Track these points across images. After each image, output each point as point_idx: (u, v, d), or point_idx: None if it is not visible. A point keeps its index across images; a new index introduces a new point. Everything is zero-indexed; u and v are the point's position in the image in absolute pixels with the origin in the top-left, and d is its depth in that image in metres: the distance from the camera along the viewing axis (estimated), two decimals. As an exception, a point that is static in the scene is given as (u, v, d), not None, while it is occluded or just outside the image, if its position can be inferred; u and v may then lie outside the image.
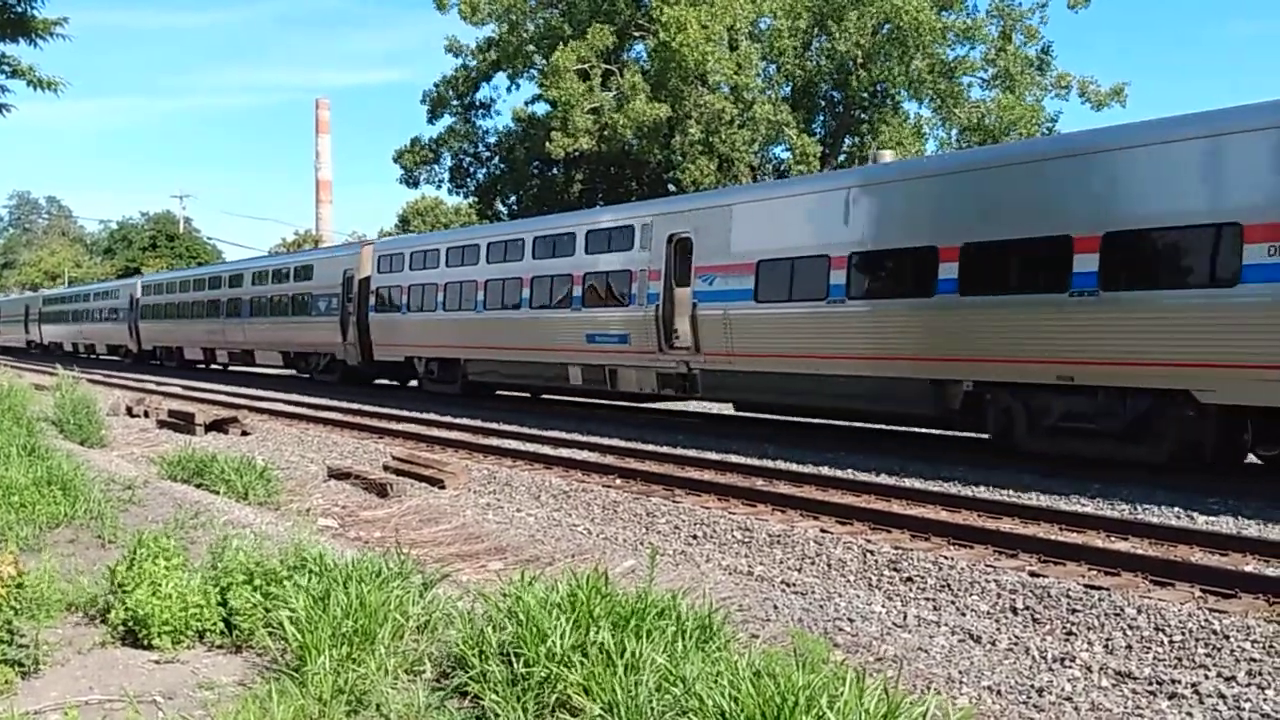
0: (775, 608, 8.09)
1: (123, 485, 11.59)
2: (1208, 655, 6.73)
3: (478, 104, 49.10)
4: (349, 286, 30.03)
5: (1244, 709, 5.91)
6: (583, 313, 21.01)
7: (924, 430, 17.57)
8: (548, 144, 39.20)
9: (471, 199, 52.55)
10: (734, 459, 14.60)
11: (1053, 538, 9.59)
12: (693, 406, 22.36)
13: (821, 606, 8.09)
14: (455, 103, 48.38)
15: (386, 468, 14.78)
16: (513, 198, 48.37)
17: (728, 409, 21.88)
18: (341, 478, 14.37)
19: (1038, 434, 13.61)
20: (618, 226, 20.75)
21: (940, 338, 14.37)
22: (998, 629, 7.52)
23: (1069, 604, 7.70)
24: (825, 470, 13.64)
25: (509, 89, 52.86)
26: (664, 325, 18.98)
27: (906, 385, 14.88)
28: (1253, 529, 10.00)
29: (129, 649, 5.93)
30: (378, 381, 31.68)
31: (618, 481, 13.46)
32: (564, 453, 15.86)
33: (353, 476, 14.20)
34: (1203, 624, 7.11)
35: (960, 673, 6.63)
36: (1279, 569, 8.47)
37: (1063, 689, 6.32)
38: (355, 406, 23.91)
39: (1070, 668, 6.70)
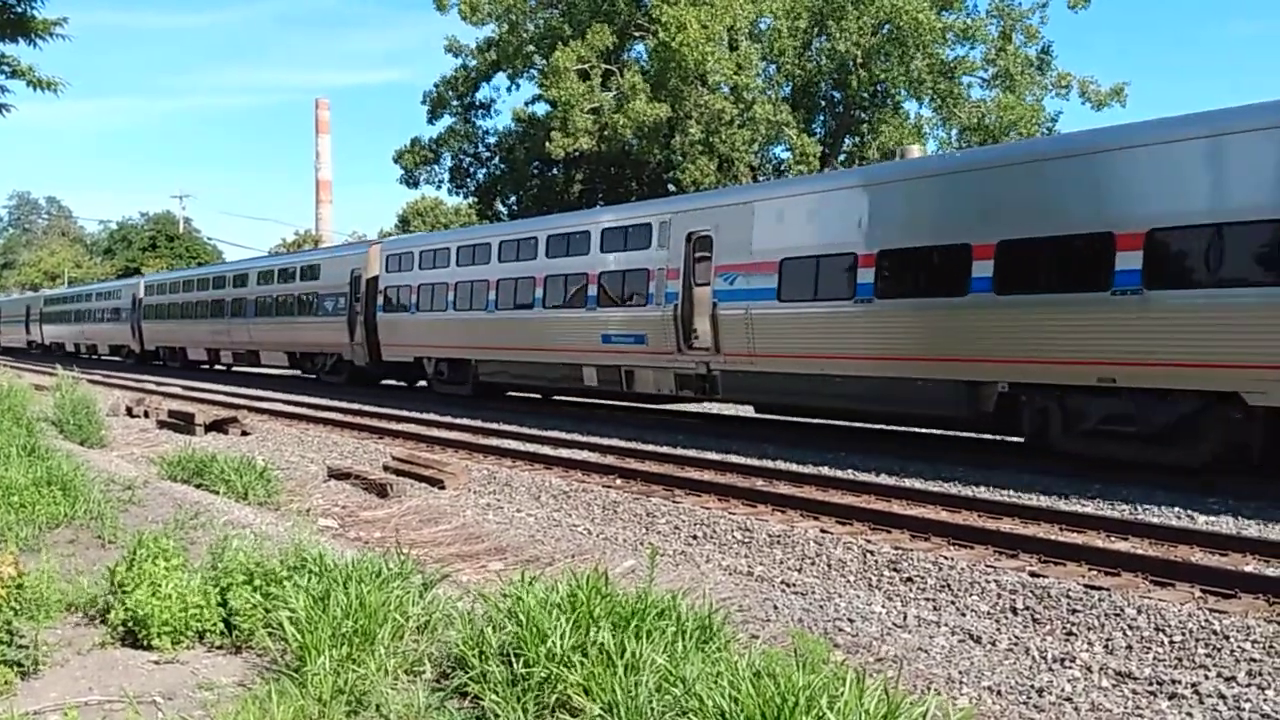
0: (775, 608, 8.09)
1: (122, 485, 11.58)
2: (1208, 655, 6.73)
3: (478, 104, 49.18)
4: (356, 286, 29.66)
5: (1244, 709, 5.91)
6: (598, 312, 20.60)
7: (924, 430, 17.56)
8: (548, 144, 39.22)
9: (471, 199, 52.59)
10: (734, 459, 14.60)
11: (1053, 538, 9.58)
12: (692, 407, 22.33)
13: (821, 607, 8.09)
14: (455, 103, 48.42)
15: (386, 468, 14.78)
16: (513, 198, 48.40)
17: (728, 409, 21.86)
18: (341, 478, 14.37)
19: (1074, 436, 13.20)
20: (635, 224, 20.33)
21: (974, 338, 13.92)
22: (998, 629, 7.52)
23: (1069, 604, 7.70)
24: (825, 470, 13.63)
25: (509, 89, 52.94)
26: (683, 325, 18.58)
27: (938, 387, 14.46)
28: (1253, 529, 10.00)
29: (129, 649, 5.92)
30: (384, 382, 31.37)
31: (618, 482, 13.46)
32: (564, 453, 15.86)
33: (353, 477, 14.20)
34: (1203, 624, 7.10)
35: (960, 673, 6.63)
36: (1279, 569, 8.47)
37: (1063, 689, 6.32)
38: (355, 407, 23.90)
39: (1070, 668, 6.70)
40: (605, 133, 38.95)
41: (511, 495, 13.08)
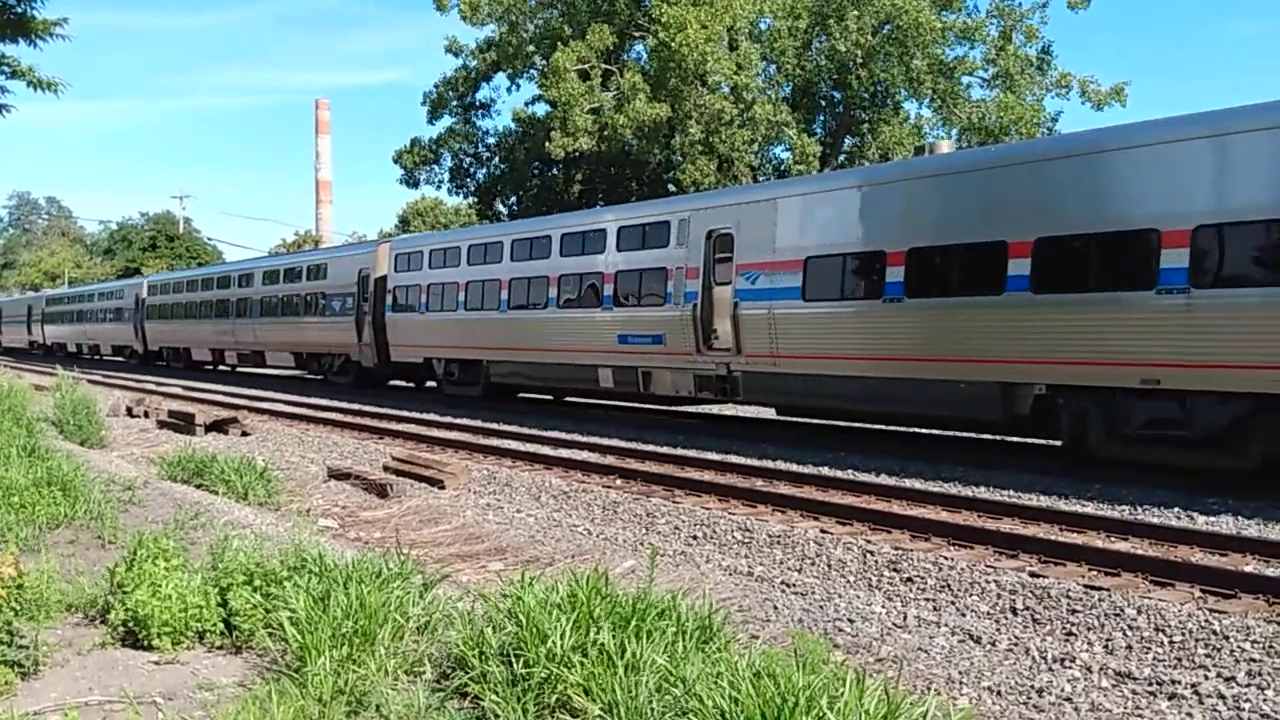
0: (775, 608, 8.09)
1: (123, 486, 11.58)
2: (1207, 655, 6.73)
3: (478, 104, 49.22)
4: (365, 286, 29.22)
5: (1244, 709, 5.91)
6: (614, 312, 20.18)
7: (923, 430, 17.57)
8: (547, 144, 39.23)
9: (471, 199, 52.61)
10: (734, 459, 14.60)
11: (1053, 538, 9.58)
12: (691, 408, 22.32)
13: (821, 607, 8.09)
14: (455, 103, 48.45)
15: (386, 468, 14.78)
16: (513, 198, 48.43)
17: (728, 409, 21.86)
18: (341, 478, 14.37)
19: (1116, 440, 12.77)
20: (652, 222, 19.87)
21: (1010, 338, 13.47)
22: (998, 629, 7.52)
23: (1069, 604, 7.70)
24: (825, 471, 13.63)
25: (509, 89, 53.08)
26: (702, 325, 18.18)
27: (971, 389, 13.98)
28: (1253, 529, 10.00)
29: (129, 650, 5.92)
30: (392, 383, 31.05)
31: (618, 482, 13.46)
32: (564, 453, 15.86)
33: (353, 477, 14.20)
34: (1202, 624, 7.11)
35: (960, 673, 6.63)
36: (1279, 569, 8.47)
37: (1063, 689, 6.32)
38: (355, 407, 23.90)
39: (1070, 668, 6.70)
40: (605, 133, 38.96)
41: (511, 495, 13.08)
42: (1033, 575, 8.43)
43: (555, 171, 46.66)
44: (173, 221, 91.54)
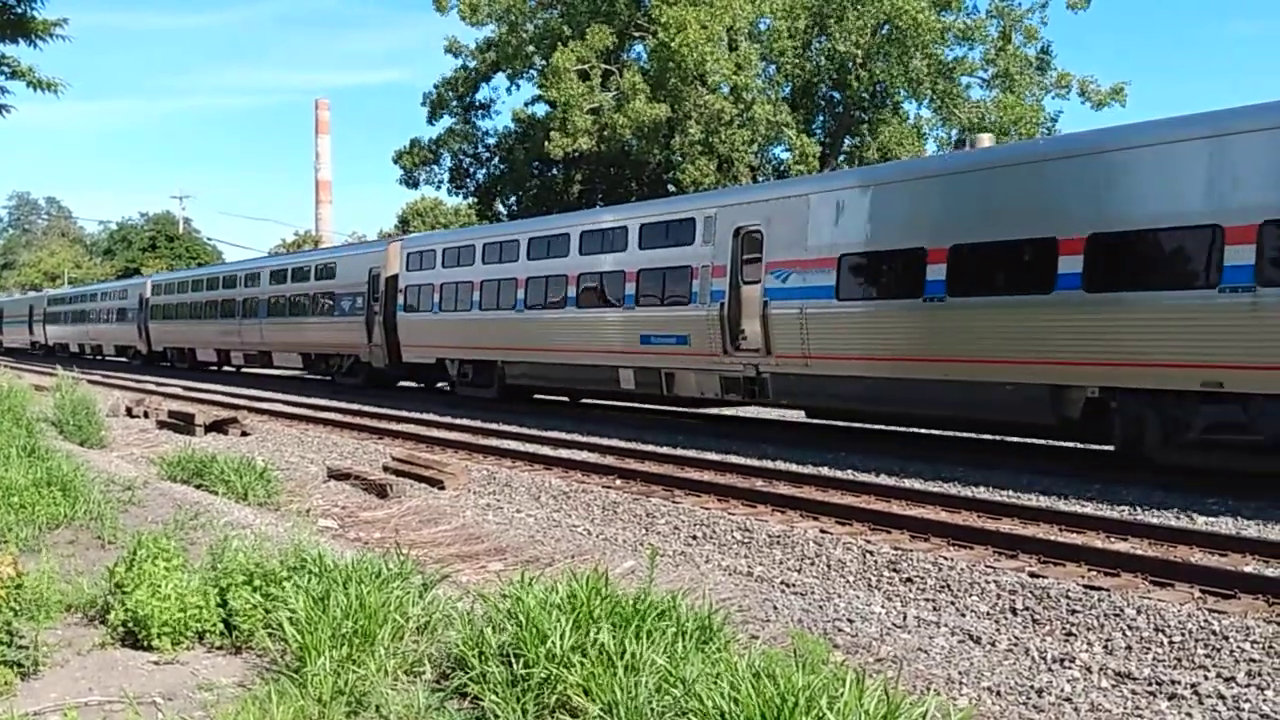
0: (775, 608, 8.09)
1: (122, 486, 11.59)
2: (1207, 656, 6.74)
3: (477, 105, 49.17)
4: (375, 285, 28.74)
5: (1243, 710, 5.91)
6: (636, 312, 19.69)
7: (923, 431, 17.57)
8: (547, 144, 39.21)
9: (471, 199, 52.59)
10: (734, 459, 14.60)
11: (1052, 538, 9.59)
12: (692, 409, 22.31)
13: (821, 607, 8.09)
14: (455, 103, 48.43)
15: (386, 468, 14.78)
16: (512, 198, 48.41)
17: (728, 410, 21.83)
18: (341, 478, 14.37)
19: (1174, 445, 12.30)
20: (677, 219, 19.31)
21: (1060, 339, 12.92)
22: (997, 630, 7.52)
23: (1069, 605, 7.71)
24: (825, 471, 13.63)
25: (509, 90, 53.04)
26: (730, 325, 17.61)
27: (1018, 391, 13.45)
28: (1252, 529, 10.00)
29: (128, 650, 5.93)
30: (398, 384, 30.73)
31: (617, 482, 13.46)
32: (564, 453, 15.86)
33: (352, 477, 14.20)
34: (1202, 624, 7.11)
35: (960, 673, 6.63)
36: (1278, 569, 8.47)
37: (1062, 690, 6.32)
38: (355, 407, 23.90)
39: (1070, 668, 6.70)
40: (605, 133, 38.95)
41: (511, 496, 13.08)
42: (1032, 575, 8.43)
43: (555, 172, 46.65)
44: (172, 222, 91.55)
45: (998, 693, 6.32)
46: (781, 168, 39.61)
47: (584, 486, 13.12)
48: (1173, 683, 6.34)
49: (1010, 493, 11.98)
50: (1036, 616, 7.68)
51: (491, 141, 49.37)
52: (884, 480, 12.91)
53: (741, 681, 4.40)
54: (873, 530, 10.25)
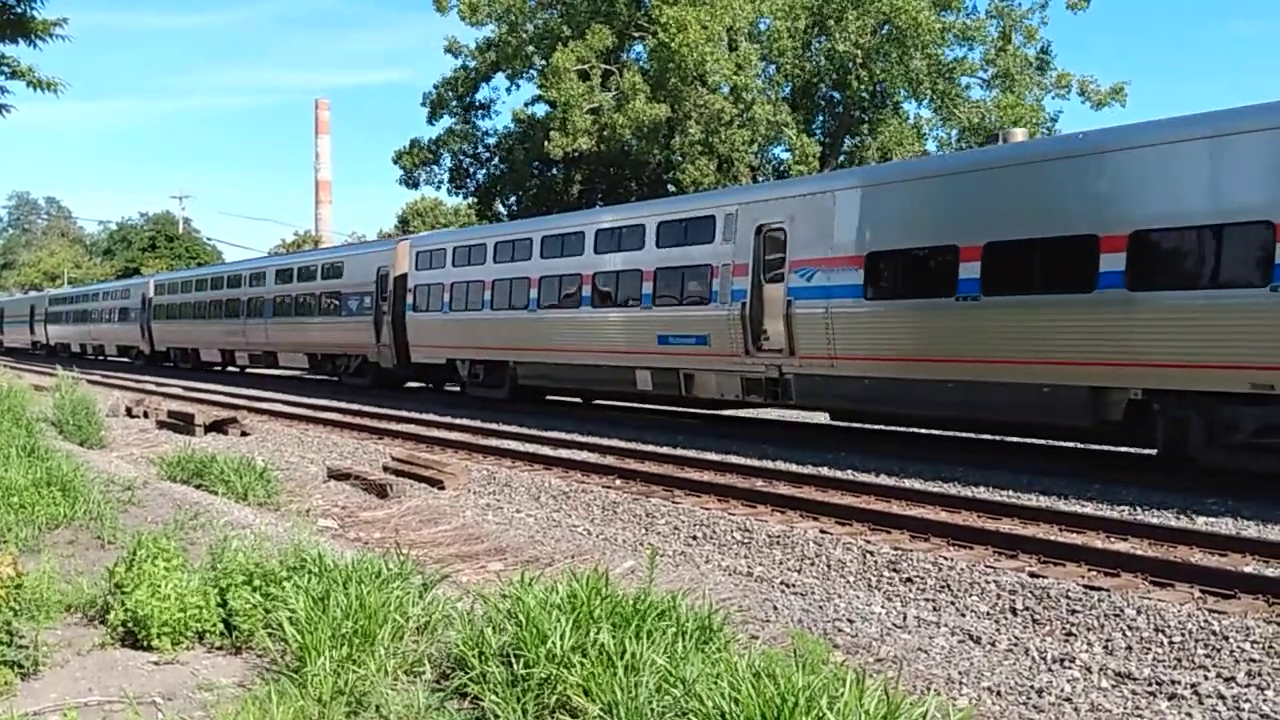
0: (775, 608, 8.09)
1: (122, 486, 11.58)
2: (1207, 656, 6.74)
3: (477, 105, 49.18)
4: (384, 284, 28.33)
5: (1243, 710, 5.91)
6: (654, 311, 19.29)
7: (923, 431, 17.56)
8: (547, 144, 39.21)
9: (471, 200, 52.60)
10: (733, 459, 14.60)
11: (1052, 538, 9.59)
12: (691, 409, 22.29)
13: (821, 607, 8.09)
14: (455, 103, 48.43)
15: (386, 468, 14.78)
16: (512, 198, 48.42)
17: (727, 410, 21.80)
18: (341, 478, 14.37)
19: (1221, 449, 11.92)
20: (696, 217, 18.88)
21: (1101, 339, 12.52)
22: (997, 630, 7.52)
23: (1069, 605, 7.70)
24: (825, 471, 13.63)
25: (508, 90, 53.08)
26: (751, 325, 17.22)
27: (1057, 393, 13.06)
28: (1252, 530, 10.00)
29: (128, 650, 5.92)
30: (408, 385, 30.46)
31: (617, 482, 13.46)
32: (563, 453, 15.86)
33: (352, 477, 14.20)
34: (1202, 625, 7.11)
35: (960, 674, 6.63)
36: (1278, 569, 8.47)
37: (1062, 690, 6.32)
38: (355, 407, 23.89)
39: (1070, 668, 6.70)
40: (605, 133, 38.96)
41: (511, 496, 13.08)
42: (1032, 575, 8.43)
43: (555, 172, 46.65)
44: (172, 222, 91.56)
45: (998, 693, 6.32)
46: (781, 168, 39.62)
47: (584, 486, 13.12)
48: (1173, 683, 6.34)
49: (1010, 493, 11.98)
50: (1036, 616, 7.68)
51: (491, 142, 49.43)
52: (884, 480, 12.91)
53: (741, 681, 4.40)
54: (873, 530, 10.25)
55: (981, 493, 11.94)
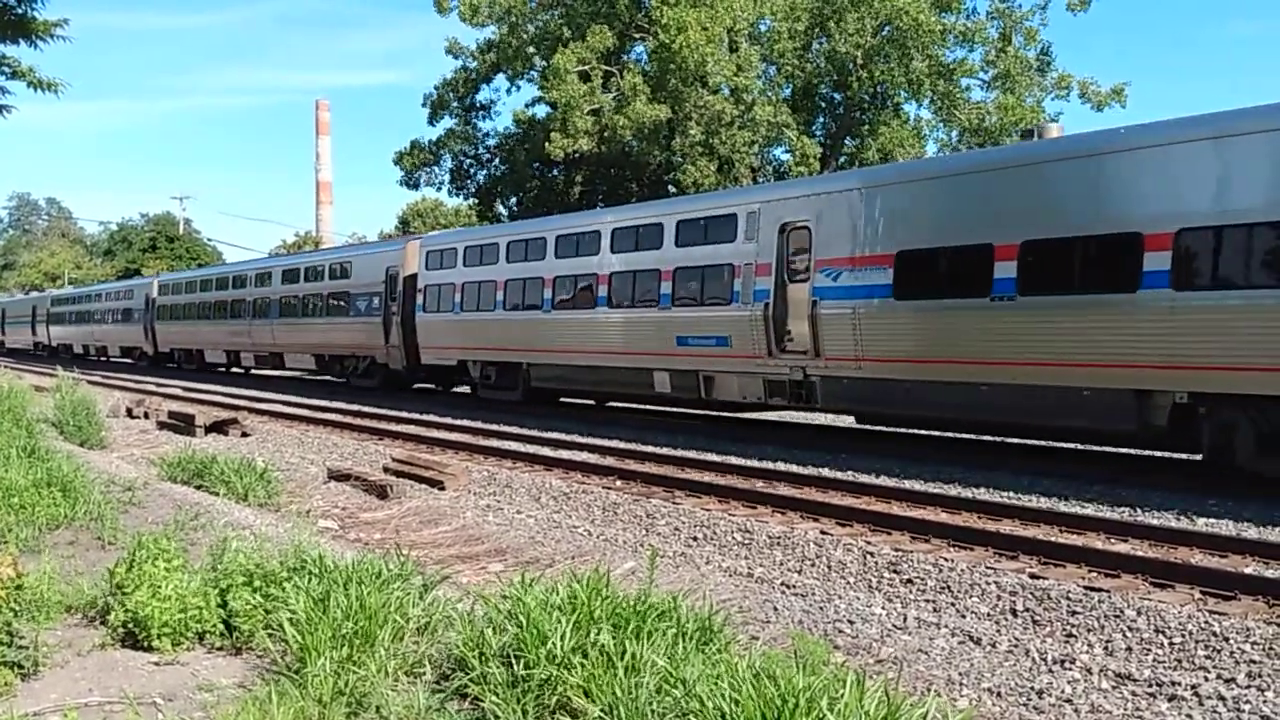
0: (775, 609, 8.09)
1: (122, 487, 11.58)
2: (1207, 657, 6.74)
3: (478, 106, 49.19)
4: (393, 285, 27.93)
5: (1243, 711, 5.91)
6: (673, 312, 18.85)
7: (921, 432, 17.55)
8: (548, 145, 39.22)
9: (471, 201, 52.61)
10: (734, 460, 14.60)
11: (1052, 539, 9.59)
12: (692, 409, 22.27)
13: (821, 608, 8.09)
14: (455, 105, 48.44)
15: (386, 469, 14.78)
16: (513, 199, 48.44)
17: (727, 410, 21.79)
18: (341, 479, 14.37)
19: (1269, 454, 11.55)
20: (717, 215, 18.41)
21: (1144, 341, 12.13)
22: (998, 631, 7.52)
23: (1069, 606, 7.70)
24: (825, 472, 13.62)
25: (509, 91, 52.95)
26: (775, 326, 16.77)
27: (1099, 397, 12.65)
28: (1252, 531, 10.00)
29: (129, 651, 5.93)
30: (415, 386, 30.11)
31: (618, 483, 13.46)
32: (564, 454, 15.86)
33: (353, 478, 14.20)
34: (1202, 626, 7.11)
35: (960, 675, 6.63)
36: (1279, 571, 8.47)
37: (1063, 691, 6.32)
38: (355, 408, 23.89)
39: (1070, 670, 6.70)
40: (605, 134, 38.97)
41: (511, 496, 13.08)
42: (1033, 577, 8.43)
43: (555, 173, 46.66)
44: (173, 222, 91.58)
45: (998, 694, 6.32)
46: (782, 169, 39.64)
47: (584, 487, 13.12)
48: (1173, 684, 6.34)
49: (1010, 494, 11.98)
50: (1037, 618, 7.68)
51: (492, 143, 49.44)
52: (884, 481, 12.90)
53: (742, 683, 4.40)
54: (873, 531, 10.25)
55: (982, 494, 11.94)
